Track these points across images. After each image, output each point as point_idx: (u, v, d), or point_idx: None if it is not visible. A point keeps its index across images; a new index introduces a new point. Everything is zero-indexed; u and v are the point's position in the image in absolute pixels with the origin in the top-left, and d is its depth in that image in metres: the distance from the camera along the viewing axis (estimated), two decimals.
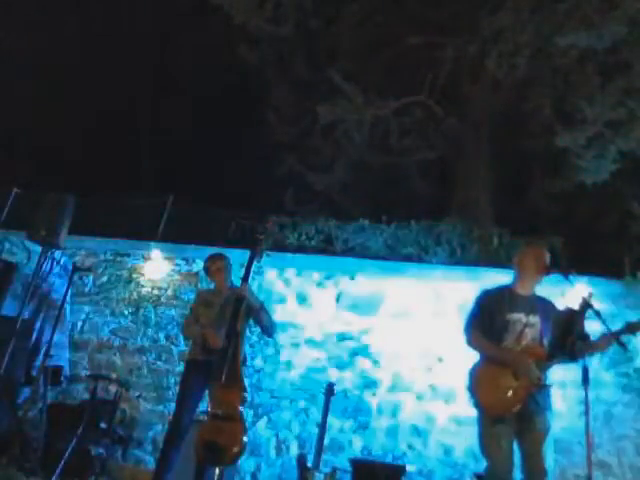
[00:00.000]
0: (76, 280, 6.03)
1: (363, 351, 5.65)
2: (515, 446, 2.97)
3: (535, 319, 3.09)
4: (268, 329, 3.95)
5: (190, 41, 11.47)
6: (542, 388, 2.97)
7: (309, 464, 3.97)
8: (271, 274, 6.15)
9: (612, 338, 2.87)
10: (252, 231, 3.81)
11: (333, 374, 5.53)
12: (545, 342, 3.08)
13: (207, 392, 3.52)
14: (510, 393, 2.93)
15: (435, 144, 9.13)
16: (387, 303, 5.79)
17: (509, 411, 2.92)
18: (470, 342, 3.17)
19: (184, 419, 3.66)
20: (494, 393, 2.99)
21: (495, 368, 3.02)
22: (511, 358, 3.00)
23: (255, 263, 3.75)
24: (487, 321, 3.13)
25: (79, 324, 6.30)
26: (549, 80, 7.79)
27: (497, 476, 2.95)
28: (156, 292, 6.36)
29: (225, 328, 3.58)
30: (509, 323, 3.09)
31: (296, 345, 5.78)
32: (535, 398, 2.95)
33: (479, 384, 3.08)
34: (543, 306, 3.15)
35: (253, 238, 3.83)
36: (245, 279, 3.65)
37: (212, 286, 4.17)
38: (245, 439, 3.46)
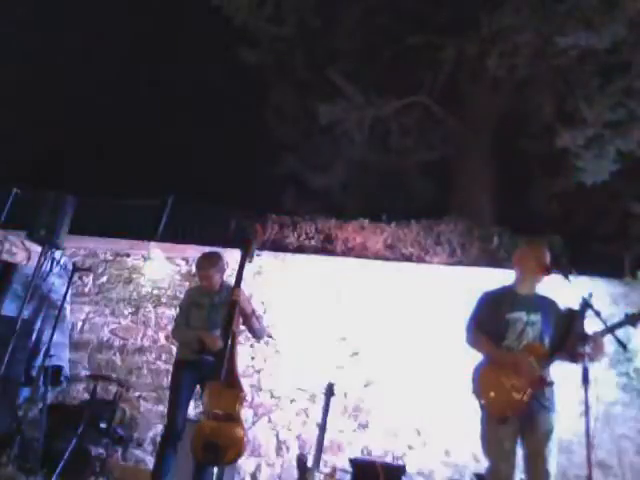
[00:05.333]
0: (76, 280, 6.03)
1: (363, 351, 5.65)
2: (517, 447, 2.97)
3: (536, 318, 3.09)
4: (257, 333, 4.02)
5: (190, 41, 11.47)
6: (545, 387, 2.97)
7: (309, 464, 3.96)
8: (271, 274, 6.15)
9: (610, 333, 2.87)
10: (243, 233, 3.80)
11: (333, 374, 5.52)
12: (546, 340, 3.08)
13: (205, 392, 3.52)
14: (513, 393, 2.93)
15: (435, 144, 9.14)
16: (387, 303, 5.78)
17: (512, 411, 2.92)
18: (471, 342, 3.18)
19: (178, 419, 3.67)
20: (497, 393, 2.99)
21: (498, 368, 3.02)
22: (510, 359, 3.00)
23: (247, 263, 3.76)
24: (488, 321, 3.14)
25: (79, 324, 6.29)
26: (549, 80, 7.80)
27: (498, 477, 2.95)
28: (156, 292, 6.36)
29: (218, 329, 3.62)
30: (510, 322, 3.10)
31: (296, 345, 5.78)
32: (539, 398, 2.94)
33: (482, 384, 3.08)
34: (545, 305, 3.15)
35: (243, 241, 3.83)
36: (237, 284, 3.64)
37: (202, 284, 4.03)
38: (245, 439, 3.46)
